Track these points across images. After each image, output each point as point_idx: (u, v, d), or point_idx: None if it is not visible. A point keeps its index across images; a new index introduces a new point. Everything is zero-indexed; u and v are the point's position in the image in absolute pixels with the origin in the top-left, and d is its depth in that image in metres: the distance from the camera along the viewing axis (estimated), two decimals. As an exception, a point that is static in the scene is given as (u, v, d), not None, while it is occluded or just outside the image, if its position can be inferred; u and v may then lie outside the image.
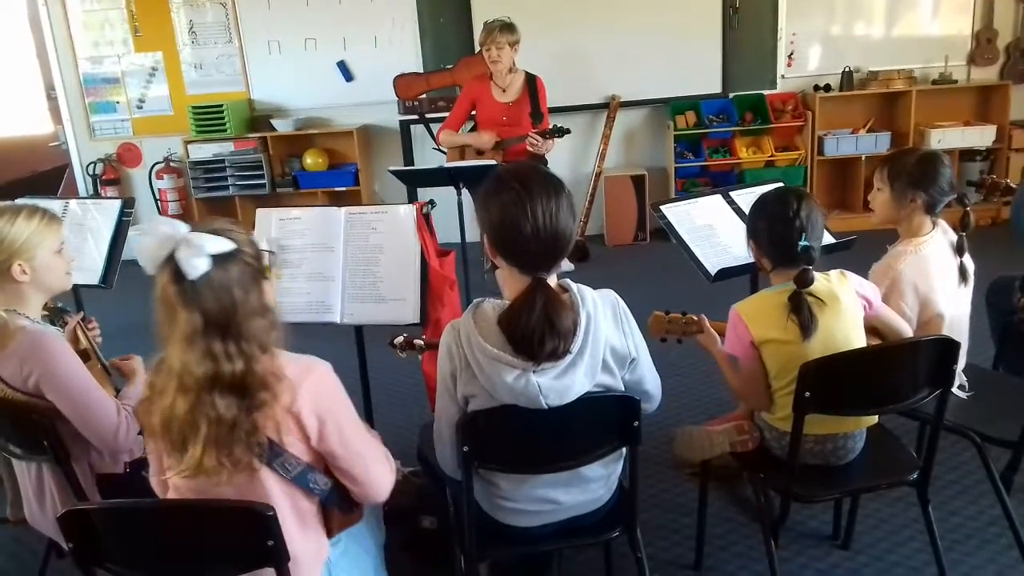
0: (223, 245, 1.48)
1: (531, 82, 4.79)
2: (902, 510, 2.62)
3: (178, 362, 1.50)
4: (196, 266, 1.45)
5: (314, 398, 1.57)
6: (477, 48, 5.90)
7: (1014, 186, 3.06)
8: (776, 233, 2.06)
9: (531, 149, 4.58)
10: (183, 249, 1.45)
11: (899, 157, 2.50)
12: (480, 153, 4.84)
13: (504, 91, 4.80)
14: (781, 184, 2.71)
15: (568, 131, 4.60)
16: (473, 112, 4.96)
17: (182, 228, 1.48)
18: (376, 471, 1.72)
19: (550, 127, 4.60)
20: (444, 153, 5.34)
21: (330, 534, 1.74)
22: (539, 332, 1.66)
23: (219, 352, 1.48)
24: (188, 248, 1.45)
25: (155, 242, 1.47)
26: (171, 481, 1.63)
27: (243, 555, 1.54)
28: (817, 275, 2.01)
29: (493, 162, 4.44)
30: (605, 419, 1.80)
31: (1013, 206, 2.83)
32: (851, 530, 2.50)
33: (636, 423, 1.78)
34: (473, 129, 5.04)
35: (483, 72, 4.88)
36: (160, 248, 1.47)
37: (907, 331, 2.21)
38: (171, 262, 1.46)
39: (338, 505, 1.72)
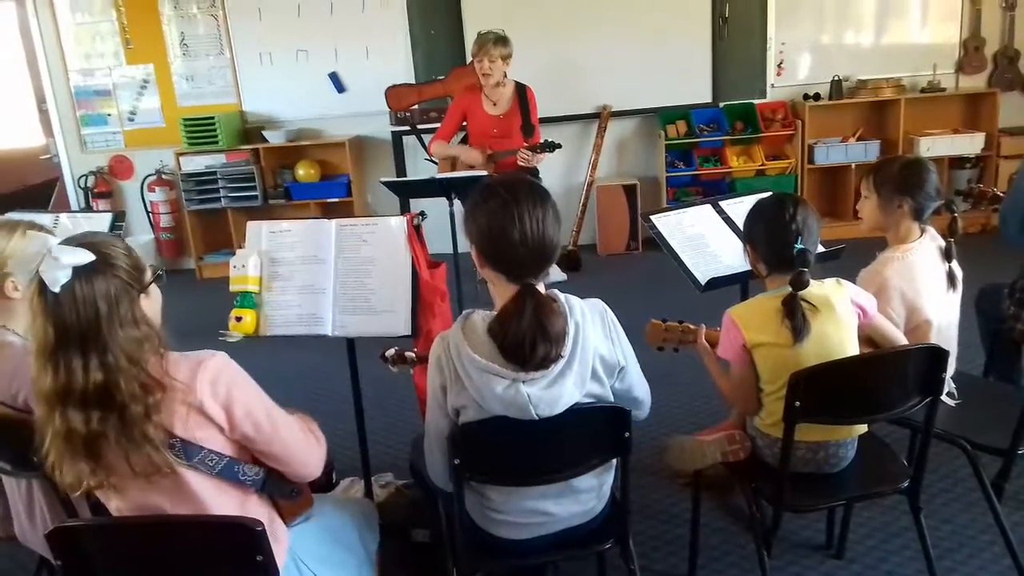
0: (83, 257, 1.50)
1: (521, 93, 4.79)
2: (895, 519, 2.62)
3: (32, 374, 1.54)
4: (55, 278, 1.47)
5: (212, 388, 1.57)
6: (468, 59, 5.92)
7: (1001, 194, 3.07)
8: (772, 237, 2.08)
9: (522, 163, 4.58)
10: (45, 261, 1.48)
11: (885, 164, 2.52)
12: (471, 165, 4.84)
13: (495, 104, 4.81)
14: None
15: (559, 145, 4.60)
16: (464, 123, 4.97)
17: (51, 241, 1.53)
18: (297, 447, 1.73)
19: (541, 141, 4.60)
20: (436, 164, 5.34)
21: (286, 522, 1.75)
22: (530, 337, 1.66)
23: (75, 366, 1.50)
24: (49, 260, 1.48)
25: (25, 257, 1.53)
26: (108, 505, 1.65)
27: (232, 570, 1.54)
28: (812, 282, 2.02)
29: (484, 172, 4.45)
30: (596, 430, 1.80)
31: (1000, 213, 2.84)
32: (844, 539, 2.50)
33: (627, 434, 1.78)
34: (464, 141, 5.05)
35: (474, 83, 4.89)
36: (30, 262, 1.52)
37: (902, 341, 2.22)
38: (37, 275, 1.49)
39: (279, 493, 1.73)
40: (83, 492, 1.60)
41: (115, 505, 1.64)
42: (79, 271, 1.49)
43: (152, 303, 1.64)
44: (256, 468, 1.68)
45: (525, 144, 4.61)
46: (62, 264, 1.47)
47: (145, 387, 1.53)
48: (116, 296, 1.52)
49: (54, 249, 1.49)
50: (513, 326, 1.67)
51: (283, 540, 1.74)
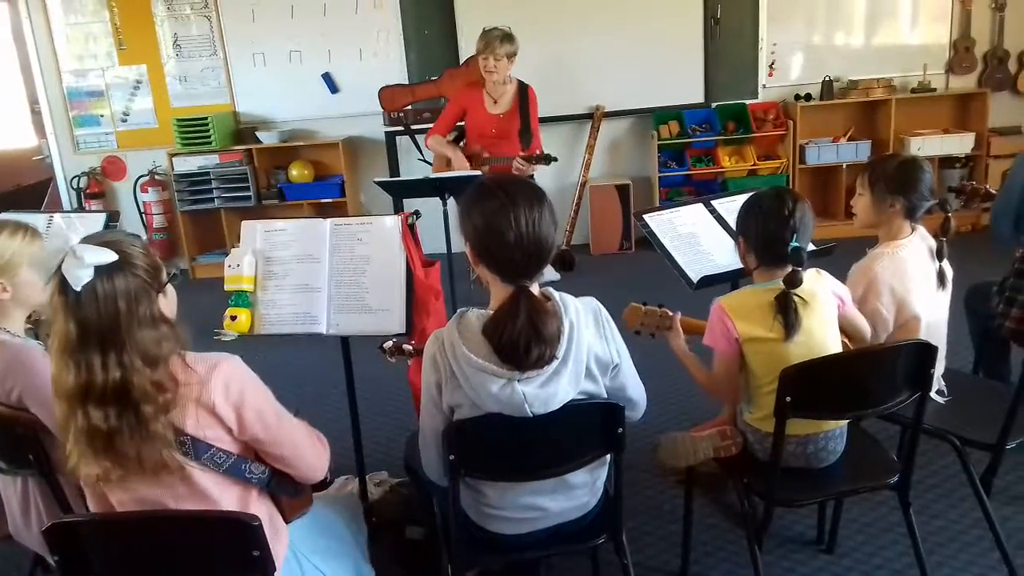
0: (106, 257, 1.51)
1: (523, 94, 4.69)
2: (885, 514, 2.64)
3: (53, 371, 1.55)
4: (78, 277, 1.49)
5: (224, 390, 1.60)
6: (462, 59, 5.93)
7: (994, 192, 3.09)
8: (768, 232, 2.08)
9: (516, 173, 4.48)
10: (68, 260, 1.50)
11: (881, 162, 2.54)
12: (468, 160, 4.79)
13: (495, 102, 4.72)
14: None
15: (555, 159, 4.51)
16: (462, 121, 4.90)
17: (72, 239, 1.53)
18: (305, 450, 1.77)
19: (537, 153, 4.51)
20: (429, 164, 5.35)
21: (286, 519, 1.78)
22: (525, 339, 1.67)
23: (95, 364, 1.51)
24: (72, 259, 1.49)
25: (48, 255, 1.52)
26: (108, 494, 1.66)
27: (229, 565, 1.55)
28: None
29: (478, 172, 4.45)
30: (590, 426, 1.81)
31: (992, 212, 2.87)
32: (835, 534, 2.52)
33: (620, 430, 1.80)
34: (461, 136, 4.98)
35: (476, 80, 4.79)
36: (52, 260, 1.52)
37: (868, 332, 2.25)
38: (60, 273, 1.51)
39: (282, 491, 1.76)
40: (96, 484, 1.62)
41: (117, 499, 1.65)
42: (100, 270, 1.50)
43: (169, 302, 1.66)
44: (262, 467, 1.71)
45: (521, 154, 4.53)
46: (85, 263, 1.49)
47: (159, 385, 1.55)
48: (136, 295, 1.54)
49: (76, 248, 1.50)
50: (507, 328, 1.68)
51: (283, 536, 1.77)
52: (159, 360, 1.56)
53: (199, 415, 1.59)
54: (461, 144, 4.96)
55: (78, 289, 1.49)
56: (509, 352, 1.68)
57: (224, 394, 1.60)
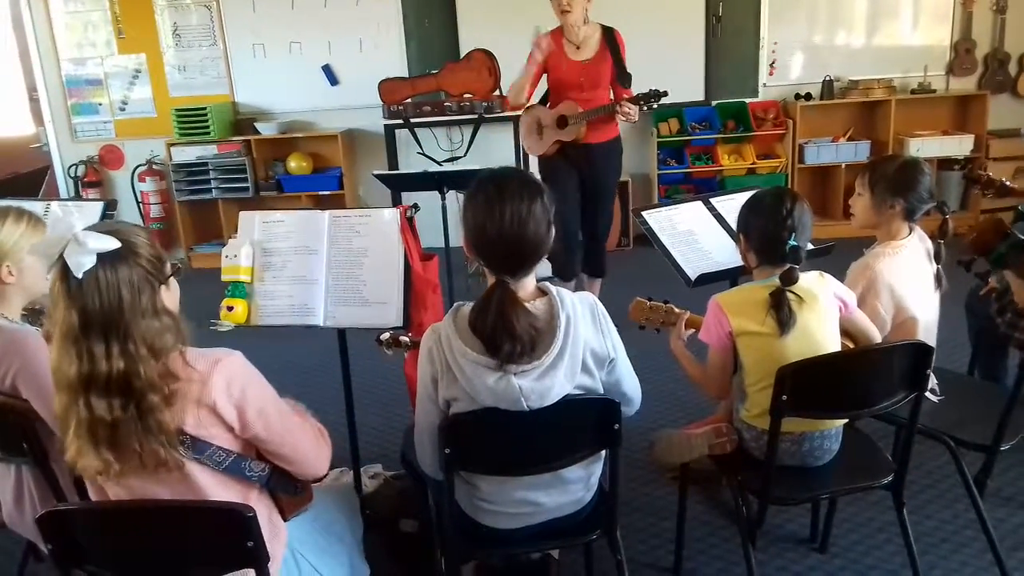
0: (109, 244, 1.50)
1: (609, 36, 4.13)
2: (879, 513, 2.65)
3: (54, 361, 1.53)
4: (80, 263, 1.47)
5: (227, 388, 1.58)
6: (463, 52, 5.91)
7: (1009, 184, 3.05)
8: (767, 230, 2.10)
9: (623, 120, 4.04)
10: (70, 246, 1.48)
11: (881, 163, 2.54)
12: (561, 126, 4.17)
13: (578, 48, 4.10)
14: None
15: (665, 93, 3.98)
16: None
17: (76, 226, 1.51)
18: (307, 449, 1.74)
19: (645, 92, 4.00)
20: (429, 158, 5.31)
21: (284, 517, 1.76)
22: (498, 334, 1.68)
23: (98, 353, 1.49)
24: (75, 245, 1.48)
25: (51, 242, 1.50)
26: (106, 488, 1.64)
27: (223, 556, 1.55)
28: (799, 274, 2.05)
29: (478, 167, 4.39)
30: (585, 421, 1.82)
31: None
32: (828, 533, 2.53)
33: (616, 425, 1.80)
34: (545, 98, 4.37)
35: (552, 31, 4.21)
36: (55, 247, 1.51)
37: (877, 337, 2.25)
38: (62, 260, 1.49)
39: (282, 489, 1.74)
40: (95, 478, 1.60)
41: (115, 493, 1.63)
42: (103, 257, 1.49)
43: (172, 296, 1.64)
44: (262, 464, 1.69)
45: (625, 96, 4.00)
46: (88, 249, 1.47)
47: (163, 377, 1.53)
48: (138, 285, 1.52)
49: (79, 234, 1.49)
50: (479, 322, 1.70)
51: (282, 534, 1.75)
52: (162, 352, 1.54)
53: (200, 414, 1.57)
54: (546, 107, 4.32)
55: (79, 276, 1.47)
56: (487, 343, 1.69)
57: (226, 393, 1.58)
